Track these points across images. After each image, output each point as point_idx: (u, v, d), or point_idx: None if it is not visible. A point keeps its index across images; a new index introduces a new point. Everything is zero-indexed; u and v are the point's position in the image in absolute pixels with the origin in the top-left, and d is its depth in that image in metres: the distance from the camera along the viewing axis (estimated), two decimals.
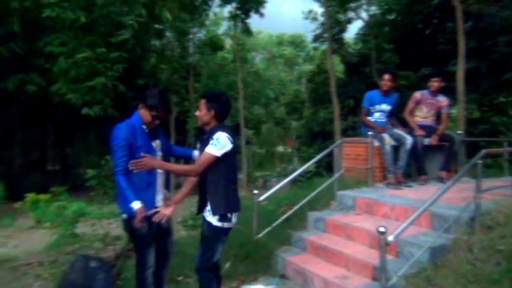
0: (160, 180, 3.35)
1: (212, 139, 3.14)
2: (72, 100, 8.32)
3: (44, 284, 4.39)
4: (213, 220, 3.20)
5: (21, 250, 5.91)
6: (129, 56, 8.61)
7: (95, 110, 8.24)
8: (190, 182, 3.41)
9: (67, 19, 7.45)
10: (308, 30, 18.03)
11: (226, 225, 3.23)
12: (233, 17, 15.56)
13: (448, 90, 6.81)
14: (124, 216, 3.29)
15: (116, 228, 5.68)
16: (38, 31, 8.98)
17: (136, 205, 3.11)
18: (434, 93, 6.00)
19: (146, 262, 3.33)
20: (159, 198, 3.34)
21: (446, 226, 3.87)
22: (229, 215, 3.23)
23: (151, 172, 3.25)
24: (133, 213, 3.14)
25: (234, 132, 3.38)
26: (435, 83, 5.96)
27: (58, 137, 22.14)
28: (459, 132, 6.45)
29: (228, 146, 3.17)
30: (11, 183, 7.01)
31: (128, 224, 3.31)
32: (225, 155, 3.16)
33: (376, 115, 5.91)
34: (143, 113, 3.28)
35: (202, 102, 3.29)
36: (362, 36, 15.53)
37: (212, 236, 3.26)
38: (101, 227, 5.71)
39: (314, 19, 16.49)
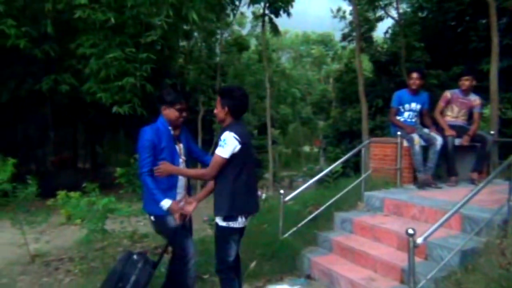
0: (181, 183, 3.38)
1: (220, 140, 3.07)
2: (103, 99, 8.52)
3: (74, 279, 4.51)
4: (218, 220, 3.16)
5: (52, 245, 6.07)
6: (157, 57, 8.73)
7: (124, 109, 8.42)
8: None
9: (97, 20, 7.63)
10: (335, 29, 17.91)
11: (231, 224, 3.12)
12: (260, 16, 15.56)
13: (481, 89, 6.63)
14: (152, 218, 3.35)
15: (144, 226, 5.77)
16: (70, 33, 9.21)
17: (167, 203, 3.15)
18: (466, 92, 5.84)
19: (187, 253, 3.34)
20: (180, 199, 3.37)
21: (478, 229, 3.78)
22: (234, 215, 3.13)
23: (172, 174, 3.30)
24: (162, 211, 3.19)
25: (246, 130, 3.27)
26: (466, 82, 5.80)
27: (88, 136, 22.68)
28: (492, 132, 6.25)
29: (236, 146, 3.04)
30: (44, 180, 7.21)
31: (156, 224, 3.36)
32: (233, 155, 3.06)
33: (406, 114, 5.83)
34: (168, 113, 3.31)
35: (218, 99, 3.21)
36: (392, 35, 15.28)
37: (219, 236, 3.22)
38: (130, 225, 5.81)
39: (343, 17, 16.35)
